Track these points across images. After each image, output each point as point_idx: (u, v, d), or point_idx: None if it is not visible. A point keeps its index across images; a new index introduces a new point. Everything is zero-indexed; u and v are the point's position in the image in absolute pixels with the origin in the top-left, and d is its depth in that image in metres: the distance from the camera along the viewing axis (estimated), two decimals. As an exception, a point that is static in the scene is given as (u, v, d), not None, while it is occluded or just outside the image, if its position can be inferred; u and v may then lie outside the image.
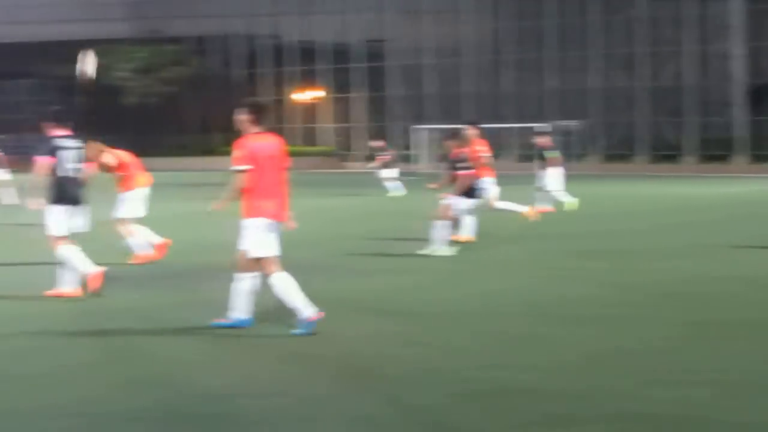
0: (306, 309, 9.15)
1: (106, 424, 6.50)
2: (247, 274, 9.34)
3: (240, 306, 9.37)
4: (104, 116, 65.29)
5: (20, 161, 21.37)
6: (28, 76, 74.26)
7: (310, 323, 9.10)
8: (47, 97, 65.44)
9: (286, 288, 9.24)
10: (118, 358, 8.43)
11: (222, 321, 9.41)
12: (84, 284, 11.37)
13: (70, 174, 11.45)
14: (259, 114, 9.46)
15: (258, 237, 9.24)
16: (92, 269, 11.81)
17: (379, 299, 11.27)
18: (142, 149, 69.81)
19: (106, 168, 14.22)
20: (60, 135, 11.49)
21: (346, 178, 37.94)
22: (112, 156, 14.34)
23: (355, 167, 34.29)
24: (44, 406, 6.84)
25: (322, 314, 9.12)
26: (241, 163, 9.21)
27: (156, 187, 15.34)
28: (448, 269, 13.77)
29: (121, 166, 14.43)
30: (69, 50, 69.45)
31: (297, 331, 9.08)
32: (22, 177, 16.95)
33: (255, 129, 9.40)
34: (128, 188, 14.47)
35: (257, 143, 9.33)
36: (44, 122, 11.66)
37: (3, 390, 7.42)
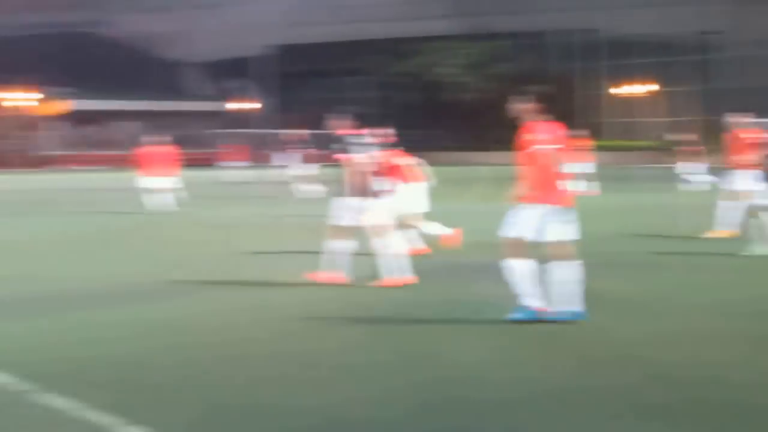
0: (534, 299, 9.19)
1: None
2: (516, 259, 9.25)
3: (529, 292, 9.24)
4: (426, 112, 70.98)
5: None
6: (354, 74, 77.75)
7: (531, 312, 9.17)
8: (372, 94, 74.53)
9: (521, 274, 9.21)
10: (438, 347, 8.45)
11: (521, 313, 9.23)
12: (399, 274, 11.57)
13: (362, 169, 11.89)
14: (540, 103, 9.39)
15: (517, 218, 9.26)
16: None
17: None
18: (466, 144, 78.69)
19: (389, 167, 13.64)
20: (352, 132, 12.09)
21: (668, 174, 35.03)
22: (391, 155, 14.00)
23: (678, 162, 34.19)
24: (376, 395, 6.93)
25: (547, 309, 9.13)
26: (525, 150, 9.24)
27: (479, 181, 17.28)
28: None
29: (391, 165, 13.83)
30: (394, 47, 76.96)
31: (514, 315, 9.24)
32: (330, 172, 18.77)
33: (536, 118, 9.33)
34: (407, 181, 14.28)
35: (539, 131, 9.31)
36: (340, 120, 12.22)
37: (334, 378, 7.47)
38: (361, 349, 8.52)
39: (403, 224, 13.49)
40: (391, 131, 13.84)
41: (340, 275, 11.73)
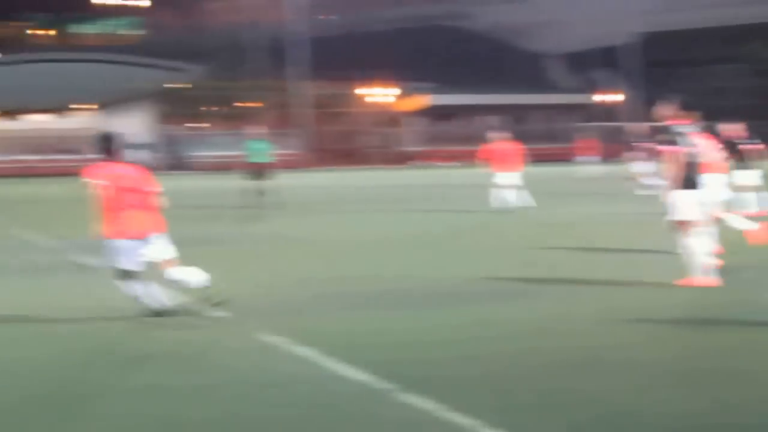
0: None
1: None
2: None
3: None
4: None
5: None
6: (727, 61, 74.51)
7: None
8: (748, 83, 71.05)
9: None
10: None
11: None
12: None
13: (691, 160, 11.47)
14: None
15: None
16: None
17: None
18: None
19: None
20: (681, 122, 11.65)
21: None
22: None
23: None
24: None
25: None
26: None
27: None
28: None
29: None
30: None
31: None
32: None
33: None
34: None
35: None
36: (668, 110, 11.79)
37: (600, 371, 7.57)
38: (713, 355, 8.14)
39: (714, 219, 12.92)
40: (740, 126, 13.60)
41: (712, 278, 11.24)
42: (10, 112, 68.40)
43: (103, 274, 10.54)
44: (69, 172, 61.52)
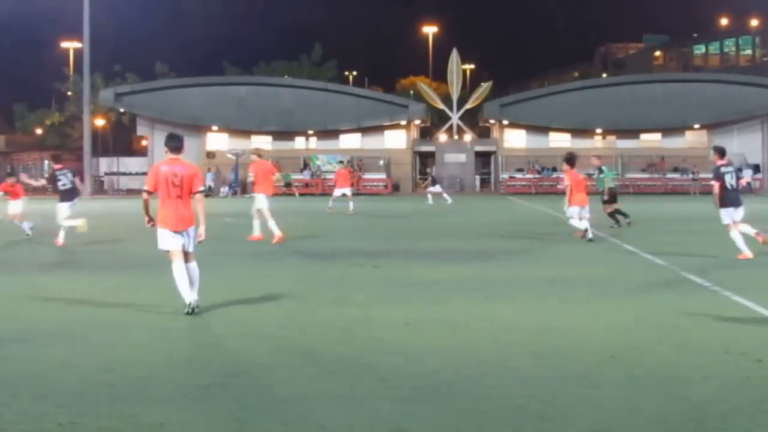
0: None
1: None
2: None
3: None
4: None
5: None
6: None
7: None
8: None
9: None
10: None
11: None
12: None
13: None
14: None
15: None
16: None
17: None
18: None
19: None
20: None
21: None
22: None
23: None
24: None
25: None
26: None
27: None
28: None
29: None
30: None
31: None
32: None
33: None
34: None
35: None
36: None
37: None
38: None
39: None
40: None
41: None
42: (625, 132, 71.39)
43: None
44: (678, 191, 63.46)
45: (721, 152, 17.56)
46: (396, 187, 68.66)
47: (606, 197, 26.59)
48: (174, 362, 8.65)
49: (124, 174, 74.13)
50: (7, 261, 18.40)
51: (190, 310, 11.08)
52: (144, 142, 75.03)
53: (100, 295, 13.00)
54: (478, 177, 73.05)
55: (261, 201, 22.57)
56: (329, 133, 72.60)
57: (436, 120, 75.50)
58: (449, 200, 47.27)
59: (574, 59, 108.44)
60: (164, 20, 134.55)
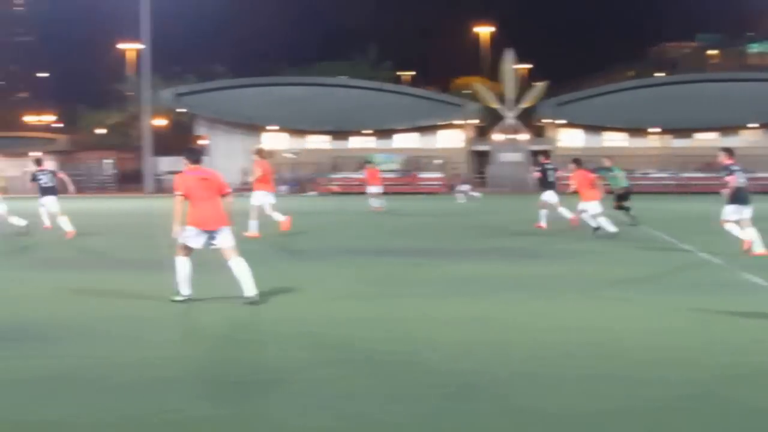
0: None
1: None
2: None
3: None
4: None
5: None
6: None
7: None
8: None
9: None
10: None
11: None
12: None
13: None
14: None
15: None
16: None
17: None
18: None
19: None
20: None
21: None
22: None
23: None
24: None
25: None
26: None
27: None
28: None
29: None
30: None
31: None
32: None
33: None
34: None
35: None
36: None
37: None
38: None
39: None
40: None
41: None
42: (680, 131, 71.19)
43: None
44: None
45: (730, 153, 18.63)
46: (452, 187, 69.18)
47: (618, 195, 27.70)
48: (223, 359, 8.88)
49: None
50: (38, 258, 18.99)
51: (252, 301, 11.75)
52: (202, 142, 76.17)
53: (138, 291, 13.28)
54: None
55: (258, 198, 23.49)
56: (384, 132, 73.20)
57: (491, 119, 75.79)
58: (477, 195, 49.61)
59: (628, 59, 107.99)
60: (222, 21, 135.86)
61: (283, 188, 67.93)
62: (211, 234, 11.97)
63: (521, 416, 6.88)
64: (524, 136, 73.60)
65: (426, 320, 10.90)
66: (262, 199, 23.43)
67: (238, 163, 73.06)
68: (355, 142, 73.86)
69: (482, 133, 76.95)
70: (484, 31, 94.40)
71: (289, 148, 71.97)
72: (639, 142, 72.49)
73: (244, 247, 20.00)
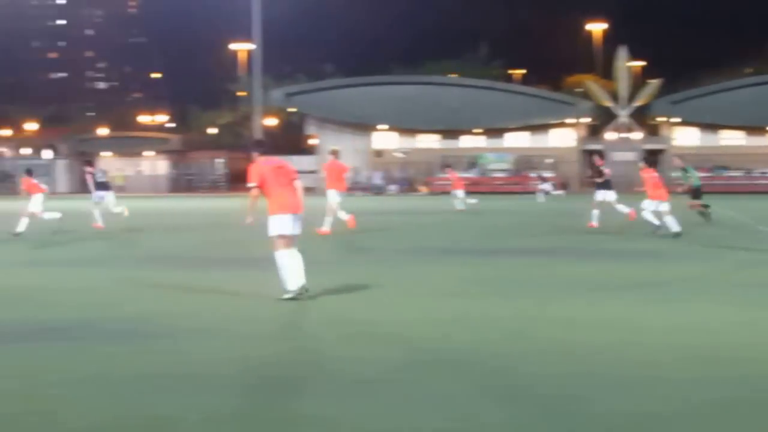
0: None
1: None
2: None
3: None
4: None
5: None
6: None
7: None
8: None
9: None
10: None
11: None
12: None
13: None
14: None
15: None
16: None
17: None
18: None
19: None
20: None
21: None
22: None
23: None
24: None
25: None
26: None
27: None
28: None
29: None
30: None
31: None
32: None
33: None
34: None
35: None
36: None
37: None
38: None
39: None
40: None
41: None
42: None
43: None
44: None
45: None
46: (564, 186, 68.18)
47: (691, 194, 27.92)
48: (339, 356, 8.80)
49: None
50: (147, 256, 19.32)
51: (303, 291, 11.90)
52: (312, 141, 76.60)
53: (232, 288, 13.41)
54: (646, 175, 71.76)
55: (333, 196, 24.44)
56: (495, 131, 72.62)
57: (604, 118, 74.49)
58: (554, 192, 51.01)
59: (745, 55, 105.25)
60: (332, 21, 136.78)
61: (393, 187, 67.93)
62: (296, 217, 12.13)
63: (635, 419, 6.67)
64: (638, 135, 72.18)
65: (542, 321, 10.67)
66: (334, 197, 24.42)
67: (347, 162, 73.42)
68: (465, 142, 73.45)
69: (594, 131, 75.73)
70: (597, 28, 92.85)
71: (399, 148, 71.81)
72: (757, 141, 70.48)
73: (361, 246, 20.56)
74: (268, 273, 12.67)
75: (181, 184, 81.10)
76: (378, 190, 69.25)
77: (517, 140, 73.20)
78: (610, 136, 72.98)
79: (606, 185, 26.89)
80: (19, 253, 19.78)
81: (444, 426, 6.50)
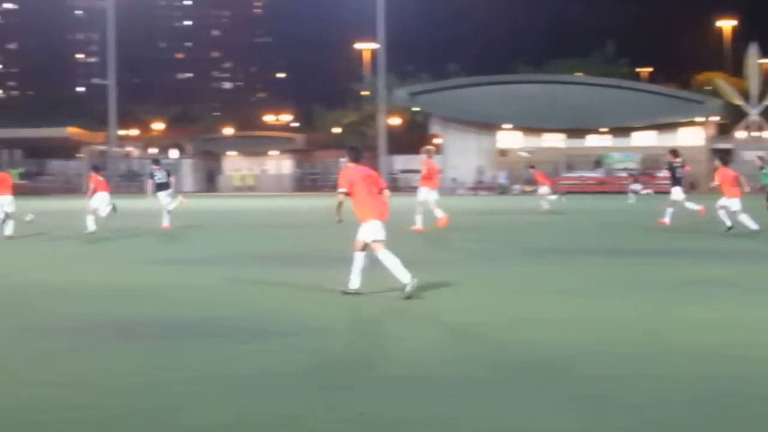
0: None
1: None
2: None
3: None
4: None
5: None
6: None
7: None
8: None
9: None
10: None
11: None
12: None
13: None
14: None
15: None
16: None
17: None
18: None
19: None
20: None
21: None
22: None
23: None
24: None
25: None
26: None
27: None
28: None
29: None
30: None
31: None
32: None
33: None
34: None
35: None
36: None
37: None
38: None
39: None
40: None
41: None
42: None
43: None
44: None
45: None
46: (692, 186, 66.90)
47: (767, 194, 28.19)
48: (457, 356, 8.69)
49: (418, 172, 75.91)
50: (254, 254, 19.22)
51: (414, 283, 11.89)
52: (436, 140, 76.83)
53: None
54: (778, 175, 69.90)
55: (423, 194, 25.48)
56: (621, 130, 71.65)
57: (734, 116, 72.86)
58: (642, 192, 50.99)
59: None
60: (455, 20, 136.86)
61: (517, 187, 67.64)
62: (383, 224, 12.36)
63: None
64: (769, 134, 70.42)
65: (672, 322, 10.41)
66: (426, 195, 25.16)
67: (471, 161, 73.45)
68: (591, 141, 72.65)
69: (724, 130, 74.13)
70: (727, 25, 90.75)
71: (524, 147, 71.47)
72: None
73: (483, 246, 20.57)
74: (386, 272, 12.43)
75: (306, 183, 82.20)
76: (503, 190, 69.07)
77: (644, 139, 72.09)
78: (740, 134, 71.35)
79: (677, 182, 26.56)
80: (142, 252, 20.07)
81: (574, 428, 6.36)
